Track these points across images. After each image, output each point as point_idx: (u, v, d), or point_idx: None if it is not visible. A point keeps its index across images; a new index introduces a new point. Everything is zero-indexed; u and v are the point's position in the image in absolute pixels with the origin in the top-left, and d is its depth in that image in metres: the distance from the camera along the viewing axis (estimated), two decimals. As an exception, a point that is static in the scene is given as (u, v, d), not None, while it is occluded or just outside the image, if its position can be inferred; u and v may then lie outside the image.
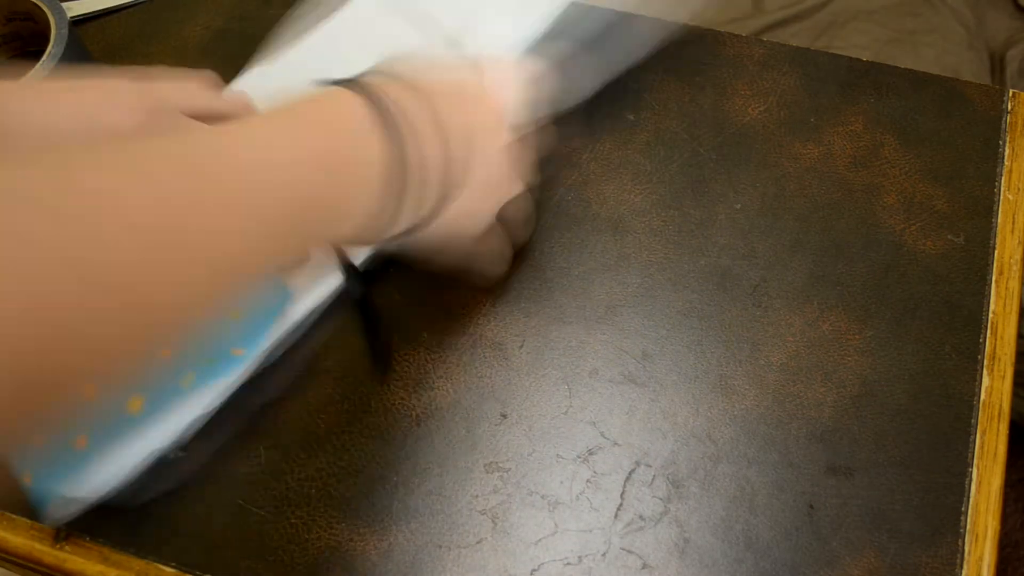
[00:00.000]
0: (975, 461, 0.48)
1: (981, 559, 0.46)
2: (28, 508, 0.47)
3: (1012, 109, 0.59)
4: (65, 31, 0.57)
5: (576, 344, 0.52)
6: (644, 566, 0.46)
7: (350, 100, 0.39)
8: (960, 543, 0.46)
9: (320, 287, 0.51)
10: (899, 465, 0.48)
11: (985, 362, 0.51)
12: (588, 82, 0.55)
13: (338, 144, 0.37)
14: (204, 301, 0.32)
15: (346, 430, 0.49)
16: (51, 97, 0.45)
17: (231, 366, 0.48)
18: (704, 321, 0.52)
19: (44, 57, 0.56)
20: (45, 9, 0.58)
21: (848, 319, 0.52)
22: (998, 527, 0.46)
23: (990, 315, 0.52)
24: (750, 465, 0.48)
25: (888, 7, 1.17)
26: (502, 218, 0.48)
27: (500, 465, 0.48)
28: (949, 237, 0.55)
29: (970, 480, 0.47)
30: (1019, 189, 0.56)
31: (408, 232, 0.41)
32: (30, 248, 0.25)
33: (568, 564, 0.46)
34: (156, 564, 0.46)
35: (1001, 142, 0.58)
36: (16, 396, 0.25)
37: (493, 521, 0.47)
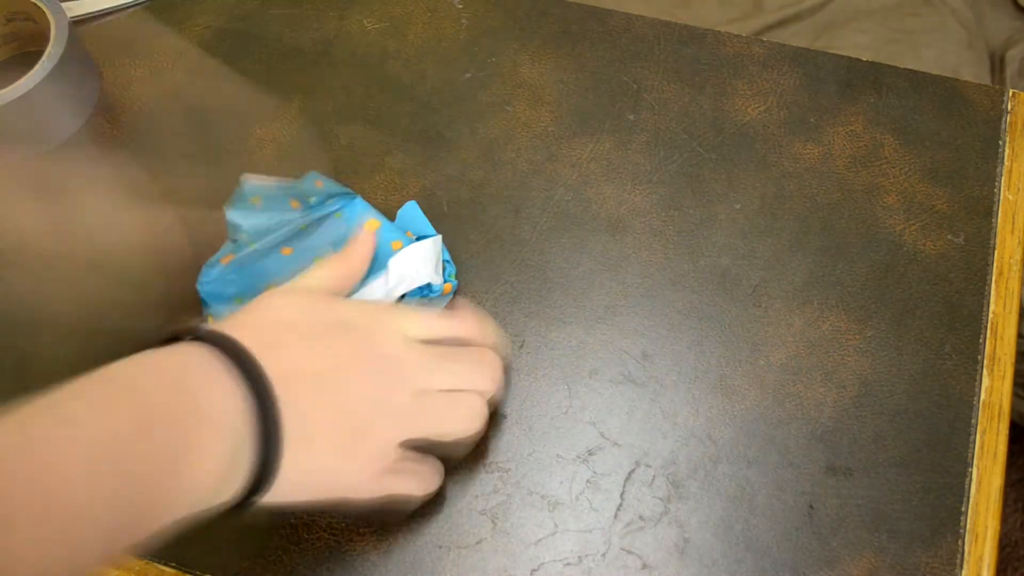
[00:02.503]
0: (975, 461, 0.48)
1: (981, 559, 0.46)
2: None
3: (1012, 109, 0.59)
4: (65, 31, 0.57)
5: (576, 344, 0.52)
6: (644, 566, 0.46)
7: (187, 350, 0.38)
8: (960, 543, 0.46)
9: None
10: (899, 465, 0.48)
11: (985, 362, 0.51)
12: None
13: (172, 399, 0.36)
14: None
15: (346, 430, 0.49)
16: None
17: None
18: (704, 321, 0.52)
19: (44, 57, 0.56)
20: (45, 9, 0.58)
21: (848, 319, 0.52)
22: (998, 527, 0.46)
23: (990, 315, 0.52)
24: (750, 465, 0.48)
25: (888, 7, 1.17)
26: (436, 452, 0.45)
27: (500, 465, 0.48)
28: (949, 237, 0.55)
29: (970, 480, 0.47)
30: (1019, 189, 0.56)
31: (245, 501, 0.38)
32: None
33: (568, 564, 0.46)
34: (156, 564, 0.46)
35: (1001, 142, 0.58)
36: None
37: (493, 521, 0.47)
